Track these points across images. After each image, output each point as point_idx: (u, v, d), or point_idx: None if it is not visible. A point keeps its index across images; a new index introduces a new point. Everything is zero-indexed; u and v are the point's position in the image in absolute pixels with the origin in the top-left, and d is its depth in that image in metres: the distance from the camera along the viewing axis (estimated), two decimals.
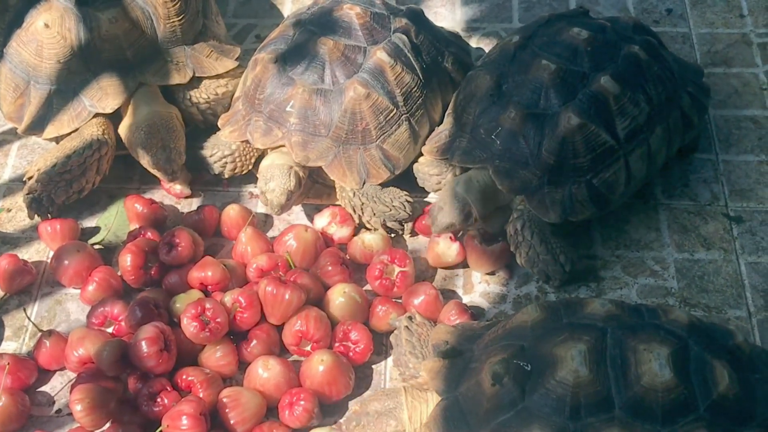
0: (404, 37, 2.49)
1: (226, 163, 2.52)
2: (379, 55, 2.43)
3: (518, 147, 2.30)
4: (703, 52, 2.92)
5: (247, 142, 2.48)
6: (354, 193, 2.41)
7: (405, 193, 2.43)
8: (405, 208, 2.39)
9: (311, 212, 2.52)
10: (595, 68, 2.34)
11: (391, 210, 2.39)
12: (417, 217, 2.45)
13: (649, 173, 2.43)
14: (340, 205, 2.48)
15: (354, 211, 2.42)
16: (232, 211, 2.46)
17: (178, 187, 2.55)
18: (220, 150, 2.51)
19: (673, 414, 1.72)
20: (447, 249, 2.36)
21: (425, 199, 2.54)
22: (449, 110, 2.50)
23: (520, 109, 2.30)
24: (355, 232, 2.46)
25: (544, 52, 2.37)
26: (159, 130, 2.47)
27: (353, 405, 2.12)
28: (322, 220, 2.47)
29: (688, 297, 2.33)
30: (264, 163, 2.45)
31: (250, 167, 2.55)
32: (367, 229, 2.45)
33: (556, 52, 2.36)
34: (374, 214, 2.39)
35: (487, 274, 2.40)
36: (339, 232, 2.44)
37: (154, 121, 2.48)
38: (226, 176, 2.55)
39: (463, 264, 2.40)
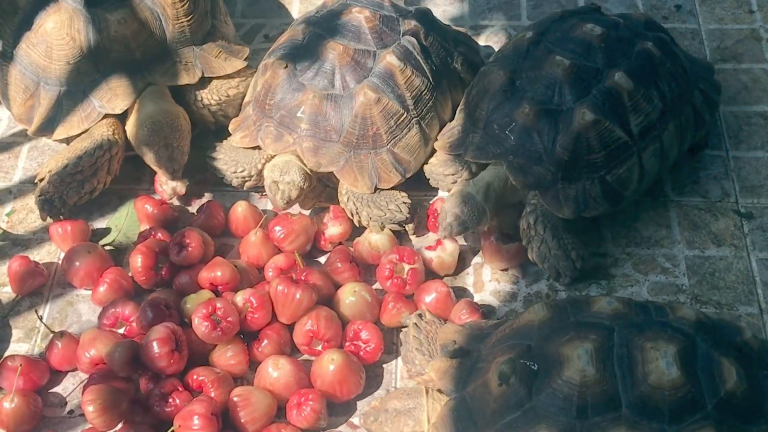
0: (413, 39, 2.48)
1: (248, 180, 2.51)
2: (389, 59, 2.43)
3: (532, 143, 2.30)
4: (712, 48, 2.91)
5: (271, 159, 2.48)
6: (348, 198, 2.40)
7: (403, 194, 2.42)
8: (401, 210, 2.38)
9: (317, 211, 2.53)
10: (609, 64, 2.33)
11: (386, 214, 2.37)
12: (428, 216, 2.45)
13: (661, 170, 2.42)
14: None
15: (352, 215, 2.41)
16: (240, 208, 2.46)
17: (171, 186, 2.52)
18: (246, 170, 2.49)
19: (681, 412, 1.71)
20: (442, 253, 2.34)
21: (431, 201, 2.52)
22: (461, 106, 2.50)
23: (534, 104, 2.29)
24: (351, 230, 2.44)
25: (558, 48, 2.37)
26: (163, 127, 2.46)
27: (364, 405, 2.13)
28: (321, 217, 2.47)
29: (699, 294, 2.32)
30: (281, 158, 2.44)
31: None
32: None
33: (569, 48, 2.36)
34: (370, 218, 2.39)
35: (500, 270, 2.40)
36: (330, 230, 2.43)
37: (158, 118, 2.47)
38: (244, 189, 2.54)
39: (473, 261, 2.40)
